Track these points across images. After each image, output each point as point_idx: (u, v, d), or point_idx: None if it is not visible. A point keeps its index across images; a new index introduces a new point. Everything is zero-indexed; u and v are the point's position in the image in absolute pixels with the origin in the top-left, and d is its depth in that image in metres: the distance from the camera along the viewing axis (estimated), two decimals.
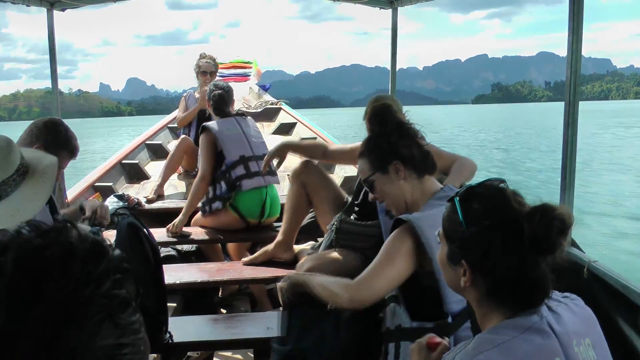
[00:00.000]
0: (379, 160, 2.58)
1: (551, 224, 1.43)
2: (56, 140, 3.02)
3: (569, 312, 1.55)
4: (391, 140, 2.58)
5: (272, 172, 4.61)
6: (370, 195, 2.77)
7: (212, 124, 4.68)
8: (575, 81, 2.70)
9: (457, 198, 1.63)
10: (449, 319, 2.28)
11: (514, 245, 1.47)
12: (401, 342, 2.34)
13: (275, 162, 4.20)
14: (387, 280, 2.32)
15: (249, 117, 4.92)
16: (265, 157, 4.16)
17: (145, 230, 3.34)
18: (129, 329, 0.77)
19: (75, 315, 0.71)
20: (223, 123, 4.70)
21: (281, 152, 4.05)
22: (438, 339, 1.86)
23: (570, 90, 2.70)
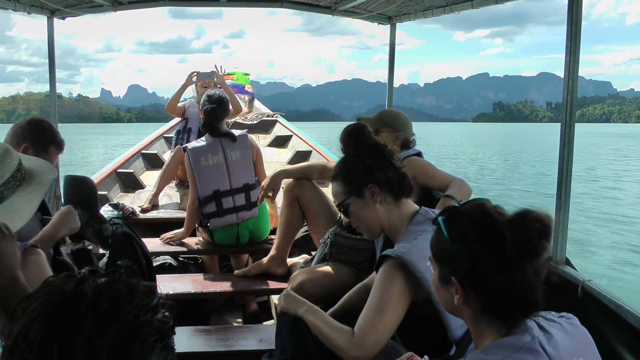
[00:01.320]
0: (354, 183, 2.51)
1: (531, 226, 1.45)
2: (43, 136, 2.99)
3: (563, 332, 1.56)
4: (366, 163, 2.50)
5: (251, 205, 4.49)
6: (345, 220, 2.72)
7: (193, 150, 4.44)
8: (572, 102, 2.71)
9: (441, 218, 1.64)
10: (452, 351, 2.27)
11: (499, 253, 1.48)
12: None
13: (270, 194, 4.13)
14: (389, 328, 2.27)
15: (241, 135, 4.61)
16: (261, 191, 4.12)
17: (138, 240, 3.35)
18: (172, 350, 0.99)
19: (139, 334, 0.92)
20: (204, 149, 4.43)
21: (275, 183, 4.04)
22: (418, 358, 1.87)
23: (567, 111, 2.71)
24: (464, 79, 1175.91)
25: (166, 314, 0.98)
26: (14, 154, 2.34)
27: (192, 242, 4.59)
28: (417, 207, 2.53)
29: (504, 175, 31.44)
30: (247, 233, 4.53)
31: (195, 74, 6.27)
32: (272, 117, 9.04)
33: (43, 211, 2.90)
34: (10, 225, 2.12)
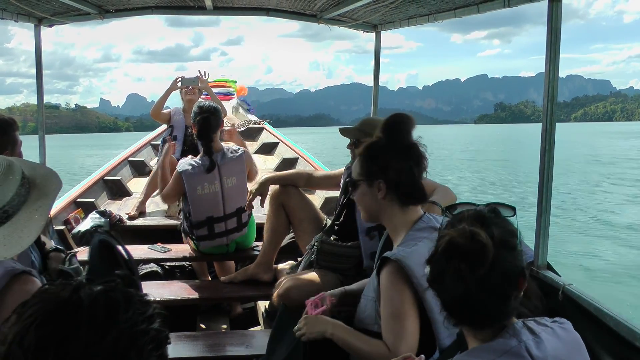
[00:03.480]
0: (368, 172, 2.52)
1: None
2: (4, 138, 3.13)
3: (554, 336, 1.57)
4: (386, 159, 2.49)
5: (241, 226, 4.47)
6: (352, 195, 2.77)
7: (188, 176, 4.29)
8: (552, 109, 2.74)
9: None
10: (435, 355, 2.29)
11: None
12: None
13: (257, 200, 4.14)
14: (415, 331, 2.29)
15: (238, 157, 4.48)
16: (248, 197, 4.13)
17: (120, 247, 3.30)
18: (166, 358, 0.99)
19: (136, 343, 0.92)
20: (201, 178, 4.30)
21: (262, 189, 4.06)
22: (414, 358, 1.89)
23: (547, 118, 2.75)
24: (462, 80, 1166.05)
25: (161, 323, 0.99)
26: (17, 168, 2.28)
27: (179, 249, 4.60)
28: (421, 212, 2.54)
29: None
30: (234, 245, 4.55)
31: (180, 79, 6.17)
32: (259, 124, 9.06)
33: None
34: (18, 246, 2.11)
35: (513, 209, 1.72)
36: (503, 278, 1.52)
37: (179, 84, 6.15)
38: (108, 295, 0.95)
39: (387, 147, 2.53)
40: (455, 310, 1.59)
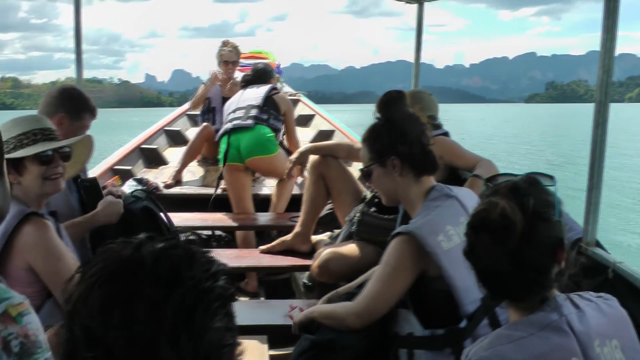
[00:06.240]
0: (378, 152, 2.54)
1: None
2: (77, 104, 3.06)
3: (598, 312, 1.54)
4: (393, 135, 2.53)
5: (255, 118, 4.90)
6: (366, 183, 2.78)
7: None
8: (607, 81, 2.67)
9: None
10: (462, 323, 2.28)
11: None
12: (415, 350, 2.34)
13: (296, 169, 4.23)
14: (386, 298, 2.35)
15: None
16: (289, 164, 4.19)
17: (162, 214, 3.34)
18: (233, 317, 0.97)
19: (202, 300, 0.90)
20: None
21: (302, 158, 4.08)
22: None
23: (602, 90, 2.67)
24: (510, 58, 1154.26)
25: (226, 280, 0.97)
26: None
27: (216, 218, 4.62)
28: (434, 183, 2.55)
29: None
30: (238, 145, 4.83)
31: (216, 72, 6.33)
32: (295, 96, 9.01)
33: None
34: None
35: (552, 178, 1.71)
36: (537, 250, 1.51)
37: (219, 76, 6.26)
38: (170, 253, 0.93)
39: (389, 124, 2.57)
40: (489, 283, 1.59)
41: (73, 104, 3.04)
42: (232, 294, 0.97)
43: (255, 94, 5.10)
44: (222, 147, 4.90)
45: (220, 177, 4.97)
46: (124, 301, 0.87)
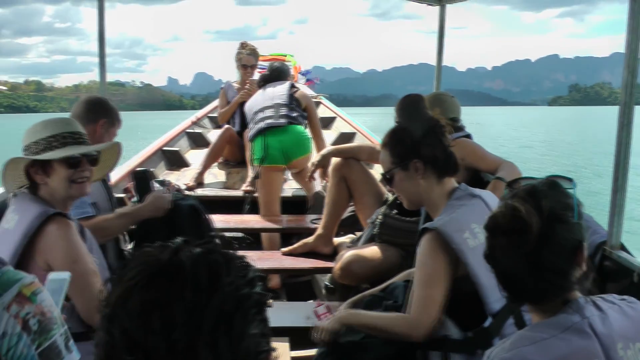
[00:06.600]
0: (400, 156, 2.53)
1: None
2: (114, 112, 3.26)
3: (621, 314, 1.53)
4: (414, 138, 2.51)
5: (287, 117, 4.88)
6: (387, 187, 2.77)
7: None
8: (632, 82, 2.65)
9: None
10: (486, 323, 2.28)
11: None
12: (450, 353, 2.32)
13: (318, 172, 4.24)
14: (440, 301, 2.30)
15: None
16: (311, 167, 4.20)
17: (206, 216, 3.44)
18: (267, 323, 0.96)
19: (241, 306, 0.91)
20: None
21: (324, 161, 4.08)
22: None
23: (627, 91, 2.65)
24: (532, 61, 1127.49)
25: (262, 286, 0.97)
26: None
27: (238, 220, 4.65)
28: (456, 184, 2.55)
29: None
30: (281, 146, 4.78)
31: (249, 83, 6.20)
32: (316, 98, 9.02)
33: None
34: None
35: (571, 180, 1.69)
36: (555, 252, 1.50)
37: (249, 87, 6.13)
38: (209, 258, 0.93)
39: (410, 127, 2.57)
40: (509, 286, 1.58)
41: (112, 113, 3.24)
42: (266, 300, 0.97)
43: (278, 92, 5.06)
44: (258, 147, 4.80)
45: (256, 177, 4.91)
46: (163, 306, 0.87)
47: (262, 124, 4.81)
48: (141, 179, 3.44)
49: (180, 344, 0.86)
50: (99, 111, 3.18)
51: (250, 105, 5.11)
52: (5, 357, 1.46)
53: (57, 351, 1.56)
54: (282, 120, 4.82)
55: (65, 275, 1.89)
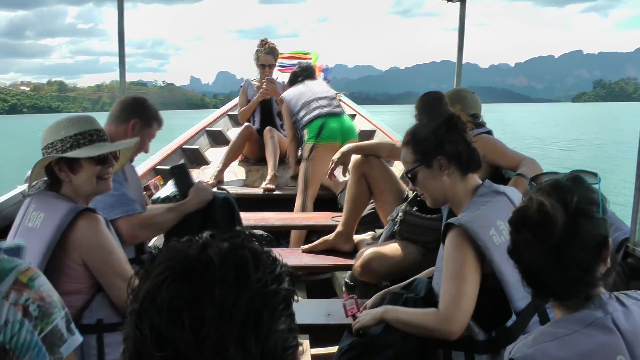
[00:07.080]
0: (424, 153, 2.49)
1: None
2: (149, 113, 3.25)
3: None
4: (438, 135, 2.47)
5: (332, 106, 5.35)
6: (410, 185, 2.74)
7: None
8: None
9: None
10: (509, 322, 2.26)
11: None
12: (475, 354, 2.29)
13: (340, 169, 4.26)
14: (472, 295, 2.27)
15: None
16: (331, 164, 4.20)
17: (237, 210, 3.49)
18: (294, 318, 0.95)
19: (269, 302, 0.90)
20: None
21: (344, 158, 4.09)
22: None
23: None
24: (556, 57, 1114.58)
25: (289, 282, 0.96)
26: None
27: (258, 217, 4.66)
28: (479, 180, 2.53)
29: None
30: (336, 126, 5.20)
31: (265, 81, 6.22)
32: (336, 96, 9.01)
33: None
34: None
35: (596, 175, 1.69)
36: (581, 247, 1.49)
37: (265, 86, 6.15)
38: (237, 254, 0.92)
39: (433, 124, 2.52)
40: (533, 282, 1.57)
41: (146, 114, 3.23)
42: (294, 295, 0.96)
43: (324, 87, 5.65)
44: (315, 127, 5.14)
45: (309, 156, 5.12)
46: (193, 302, 0.87)
47: (322, 110, 5.24)
48: (179, 173, 3.49)
49: (209, 340, 0.86)
50: (132, 111, 3.18)
51: (296, 96, 5.42)
52: (9, 345, 1.48)
53: (60, 334, 1.59)
54: (339, 109, 5.38)
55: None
